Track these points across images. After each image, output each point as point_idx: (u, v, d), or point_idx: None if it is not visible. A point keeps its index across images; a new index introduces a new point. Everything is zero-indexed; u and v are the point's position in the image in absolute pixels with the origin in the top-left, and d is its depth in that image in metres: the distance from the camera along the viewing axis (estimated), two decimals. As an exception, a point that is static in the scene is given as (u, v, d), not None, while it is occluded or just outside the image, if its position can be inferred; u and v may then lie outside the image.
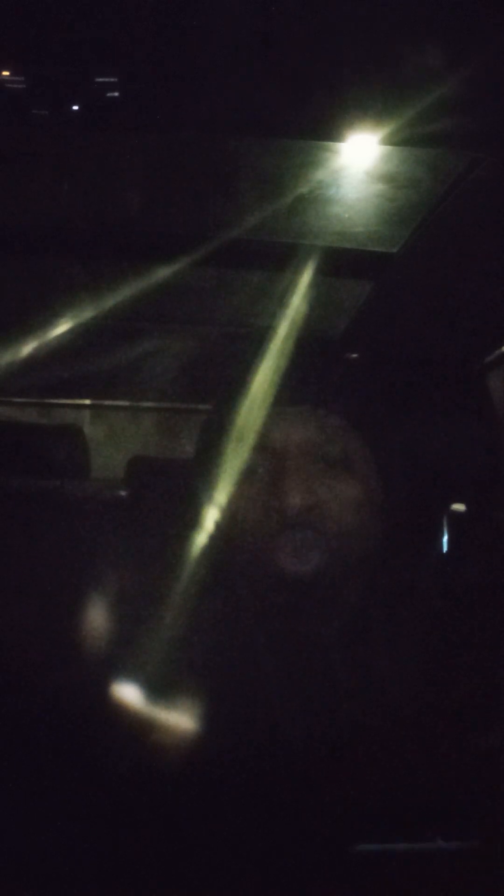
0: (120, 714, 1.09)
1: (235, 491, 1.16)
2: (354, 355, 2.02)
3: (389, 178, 1.34)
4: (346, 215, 1.49)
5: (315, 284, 1.61)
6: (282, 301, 1.58)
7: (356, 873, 1.02)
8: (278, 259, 1.61)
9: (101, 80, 1.11)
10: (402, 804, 1.06)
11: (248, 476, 1.16)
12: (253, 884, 1.01)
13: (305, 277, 1.59)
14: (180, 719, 1.10)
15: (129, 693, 1.10)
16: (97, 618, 1.17)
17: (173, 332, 2.15)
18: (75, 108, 1.12)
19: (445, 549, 1.90)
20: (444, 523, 1.91)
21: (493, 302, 1.73)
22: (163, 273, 1.65)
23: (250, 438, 1.17)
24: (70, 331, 1.81)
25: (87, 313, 1.79)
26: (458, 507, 1.95)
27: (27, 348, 1.82)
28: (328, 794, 1.06)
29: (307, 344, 1.30)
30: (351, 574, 1.16)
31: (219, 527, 1.16)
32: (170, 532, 1.22)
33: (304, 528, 1.13)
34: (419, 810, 1.06)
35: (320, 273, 1.61)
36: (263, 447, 1.16)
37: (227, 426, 1.19)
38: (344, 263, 1.65)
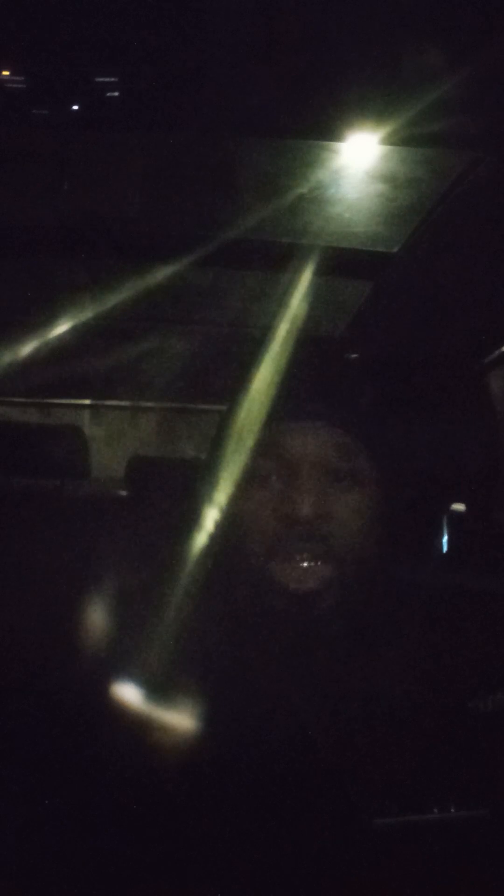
0: (120, 714, 1.09)
1: (244, 495, 1.16)
2: (354, 355, 2.02)
3: (389, 178, 1.34)
4: (346, 215, 1.49)
5: (315, 284, 1.61)
6: (282, 301, 1.58)
7: (377, 846, 1.03)
8: (278, 259, 1.61)
9: (101, 80, 1.11)
10: (411, 779, 1.07)
11: (259, 483, 1.16)
12: (254, 884, 1.01)
13: (305, 277, 1.59)
14: (180, 719, 1.10)
15: (129, 693, 1.10)
16: (97, 617, 1.17)
17: (173, 332, 2.16)
18: (75, 108, 1.12)
19: (445, 549, 1.90)
20: (444, 523, 1.91)
21: (493, 302, 1.73)
22: (163, 273, 1.65)
23: (251, 440, 1.17)
24: (70, 331, 1.81)
25: (87, 313, 1.79)
26: (458, 507, 1.96)
27: (27, 348, 1.82)
28: (332, 783, 1.07)
29: (307, 344, 1.30)
30: (353, 582, 1.16)
31: (221, 528, 1.16)
32: (169, 531, 1.22)
33: (312, 540, 1.13)
34: (428, 784, 1.07)
35: (320, 273, 1.61)
36: (279, 457, 1.16)
37: (235, 429, 1.19)
38: (344, 263, 1.65)
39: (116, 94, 1.12)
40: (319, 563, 1.13)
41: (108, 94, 1.12)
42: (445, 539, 1.90)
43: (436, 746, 1.09)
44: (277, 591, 1.13)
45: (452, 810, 1.06)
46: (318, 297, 1.67)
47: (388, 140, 1.17)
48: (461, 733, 1.11)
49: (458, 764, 1.09)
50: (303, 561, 1.13)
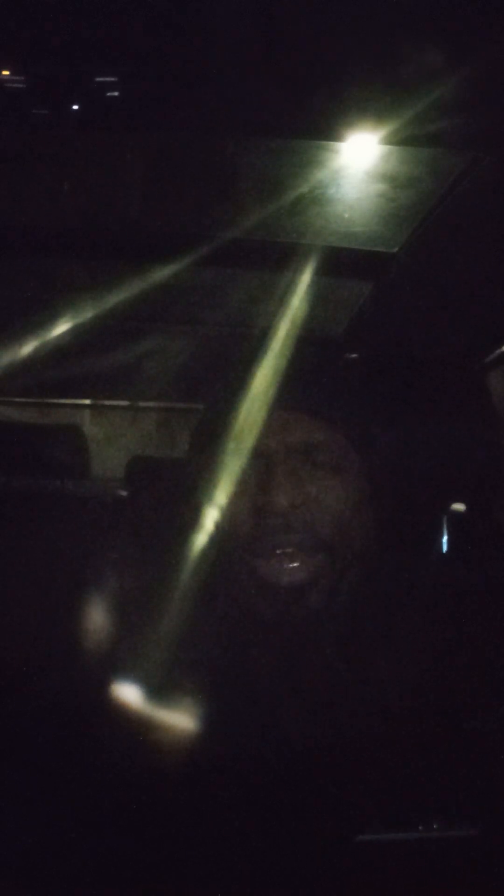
0: (120, 714, 1.09)
1: (227, 492, 1.16)
2: (354, 355, 2.02)
3: (389, 178, 1.34)
4: (346, 215, 1.49)
5: (315, 284, 1.61)
6: (282, 301, 1.58)
7: (357, 864, 1.02)
8: (278, 259, 1.61)
9: (101, 80, 1.11)
10: (402, 795, 1.07)
11: (238, 479, 1.16)
12: (253, 883, 1.01)
13: (305, 277, 1.59)
14: (180, 719, 1.10)
15: (128, 693, 1.10)
16: (97, 617, 1.17)
17: (173, 332, 2.15)
18: (75, 108, 1.12)
19: (445, 549, 1.90)
20: (444, 523, 1.91)
21: (493, 302, 1.73)
22: (163, 273, 1.65)
23: (249, 438, 1.17)
24: (70, 331, 1.81)
25: (87, 313, 1.79)
26: (458, 507, 1.96)
27: (27, 348, 1.82)
28: (328, 788, 1.07)
29: (307, 344, 1.30)
30: (345, 571, 1.16)
31: (217, 527, 1.16)
32: (169, 531, 1.22)
33: (292, 531, 1.12)
34: (419, 800, 1.07)
35: (320, 273, 1.61)
36: (254, 450, 1.16)
37: (222, 426, 1.18)
38: (344, 263, 1.65)
39: (116, 94, 1.12)
40: (305, 556, 1.12)
41: (108, 94, 1.12)
42: (445, 539, 1.90)
43: (427, 763, 1.09)
44: (265, 590, 1.13)
45: (435, 827, 1.05)
46: (318, 297, 1.67)
47: (388, 140, 1.17)
48: (453, 749, 1.11)
49: (449, 782, 1.08)
50: (288, 550, 1.12)
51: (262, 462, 1.15)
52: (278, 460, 1.15)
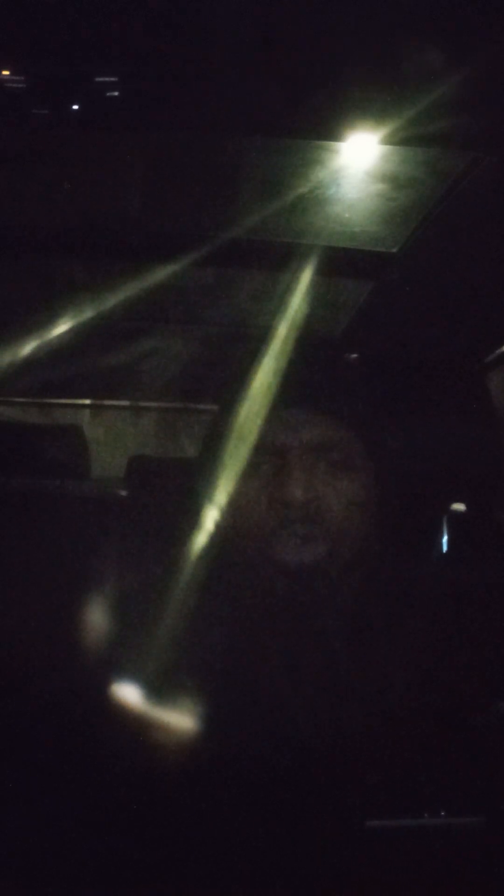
0: (121, 714, 1.09)
1: (239, 487, 1.17)
2: (354, 355, 2.02)
3: (389, 178, 1.34)
4: (346, 215, 1.49)
5: (315, 284, 1.61)
6: (282, 301, 1.58)
7: (365, 848, 1.03)
8: (278, 259, 1.61)
9: (101, 80, 1.11)
10: (408, 784, 1.08)
11: (252, 473, 1.18)
12: (255, 882, 1.01)
13: (305, 277, 1.59)
14: (181, 718, 1.10)
15: (129, 693, 1.10)
16: (97, 617, 1.17)
17: (173, 332, 2.15)
18: (75, 108, 1.13)
19: (445, 549, 1.90)
20: (444, 523, 1.91)
21: (493, 302, 1.73)
22: (163, 273, 1.65)
23: (251, 438, 1.18)
24: (70, 331, 1.81)
25: (87, 313, 1.79)
26: (458, 507, 1.96)
27: (27, 348, 1.82)
28: (335, 776, 1.07)
29: (307, 344, 1.30)
30: (348, 569, 1.17)
31: (220, 525, 1.17)
32: (170, 531, 1.22)
33: (305, 521, 1.15)
34: (424, 788, 1.07)
35: (320, 273, 1.61)
36: (268, 447, 1.18)
37: (230, 426, 1.19)
38: (344, 263, 1.65)
39: (116, 94, 1.12)
40: (316, 540, 1.15)
41: (108, 94, 1.12)
42: (446, 539, 1.90)
43: (432, 750, 1.09)
44: (277, 570, 1.15)
45: (443, 814, 1.06)
46: (318, 297, 1.67)
47: (388, 140, 1.17)
48: (458, 739, 1.11)
49: (454, 770, 1.09)
50: (301, 538, 1.14)
51: (278, 458, 1.17)
52: (294, 456, 1.17)
